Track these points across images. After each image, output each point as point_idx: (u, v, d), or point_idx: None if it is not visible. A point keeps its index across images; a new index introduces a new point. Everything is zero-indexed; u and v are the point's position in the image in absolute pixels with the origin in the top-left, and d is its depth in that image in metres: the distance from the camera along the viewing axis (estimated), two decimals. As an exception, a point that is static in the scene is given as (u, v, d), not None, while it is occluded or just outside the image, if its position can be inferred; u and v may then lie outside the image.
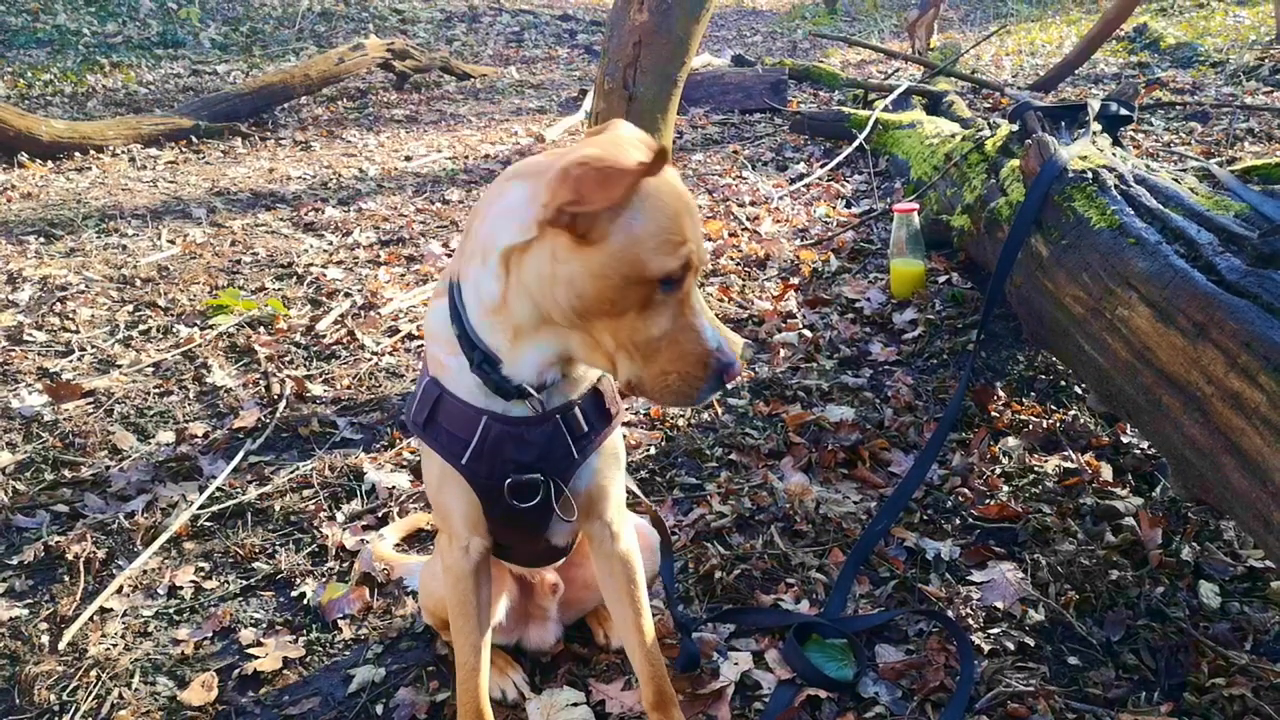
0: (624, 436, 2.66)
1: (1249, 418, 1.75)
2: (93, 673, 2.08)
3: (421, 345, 3.80)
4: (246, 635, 2.19)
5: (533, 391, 1.42)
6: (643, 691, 1.74)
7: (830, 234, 4.87)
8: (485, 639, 1.70)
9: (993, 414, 2.96)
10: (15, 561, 2.47)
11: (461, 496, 1.54)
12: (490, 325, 1.39)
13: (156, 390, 3.45)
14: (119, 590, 2.37)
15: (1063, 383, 3.13)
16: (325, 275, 4.62)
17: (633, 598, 1.70)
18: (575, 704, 1.92)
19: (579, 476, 1.56)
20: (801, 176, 6.08)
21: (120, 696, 2.02)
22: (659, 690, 1.73)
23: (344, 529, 2.57)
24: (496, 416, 1.46)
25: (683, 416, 3.10)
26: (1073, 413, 2.94)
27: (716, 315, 3.61)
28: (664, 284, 1.28)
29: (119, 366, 3.64)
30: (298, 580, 2.39)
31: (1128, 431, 2.80)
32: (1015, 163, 3.34)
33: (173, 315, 4.15)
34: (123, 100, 9.62)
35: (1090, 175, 2.71)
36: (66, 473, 2.91)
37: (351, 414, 3.24)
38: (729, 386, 1.45)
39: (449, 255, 4.88)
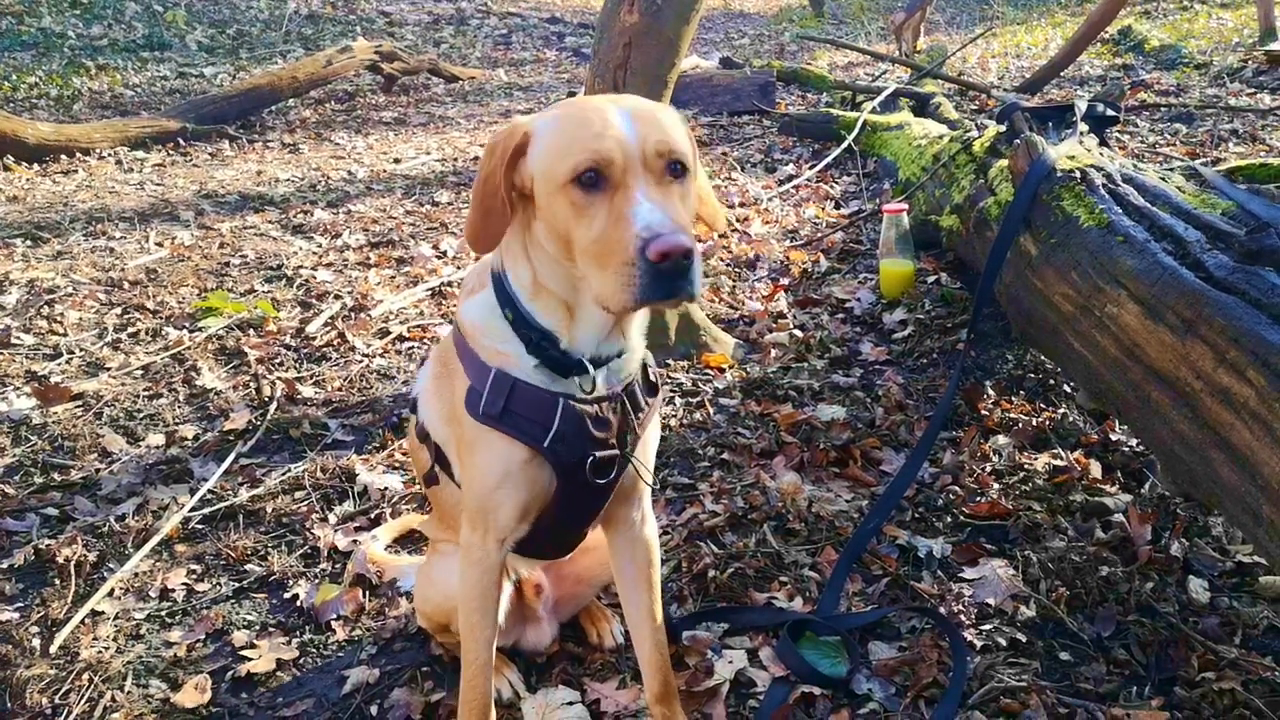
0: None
1: (1238, 412, 1.77)
2: (85, 676, 2.07)
3: (413, 347, 3.80)
4: (239, 637, 2.18)
5: (590, 366, 1.48)
6: (648, 684, 1.75)
7: (820, 235, 4.89)
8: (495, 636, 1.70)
9: (983, 412, 2.97)
10: (5, 565, 2.46)
11: (528, 485, 1.54)
12: (540, 305, 1.47)
13: (146, 393, 3.44)
14: (110, 593, 2.35)
15: (1052, 381, 3.14)
16: (315, 277, 4.60)
17: (650, 582, 1.73)
18: (570, 703, 1.92)
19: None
20: (790, 178, 6.10)
21: (113, 699, 2.01)
22: (665, 681, 1.75)
23: (336, 530, 2.57)
24: (571, 396, 1.49)
25: (675, 417, 3.10)
26: (1062, 411, 2.96)
27: (707, 316, 3.68)
28: (583, 184, 1.30)
29: (108, 369, 3.62)
30: (290, 582, 2.38)
31: (1116, 429, 2.81)
32: (1003, 163, 3.36)
33: (161, 318, 4.13)
34: (109, 103, 9.57)
35: (1078, 174, 2.73)
36: (56, 476, 2.89)
37: (343, 416, 3.23)
38: (668, 263, 1.21)
39: (439, 257, 4.87)
